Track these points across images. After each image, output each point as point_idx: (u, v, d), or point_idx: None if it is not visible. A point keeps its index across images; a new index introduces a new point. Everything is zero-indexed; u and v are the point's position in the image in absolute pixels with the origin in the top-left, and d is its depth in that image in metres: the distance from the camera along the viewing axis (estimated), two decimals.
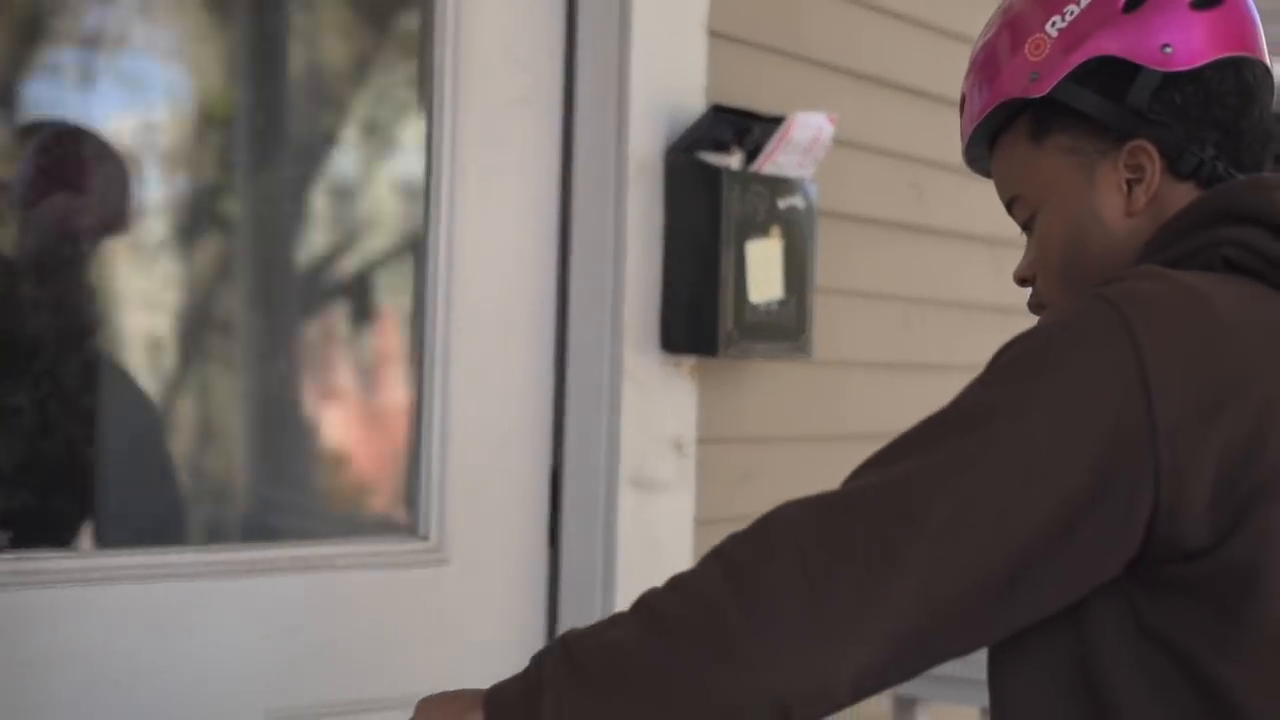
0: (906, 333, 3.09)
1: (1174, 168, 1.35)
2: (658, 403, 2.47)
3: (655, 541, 2.47)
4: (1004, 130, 1.43)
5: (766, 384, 2.70)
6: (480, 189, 2.33)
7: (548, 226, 2.42)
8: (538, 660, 1.23)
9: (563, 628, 2.44)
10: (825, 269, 2.68)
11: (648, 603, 1.21)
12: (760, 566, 1.16)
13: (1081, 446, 1.15)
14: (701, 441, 2.55)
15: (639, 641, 1.18)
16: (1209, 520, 1.17)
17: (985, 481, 1.15)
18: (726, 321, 2.42)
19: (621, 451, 2.41)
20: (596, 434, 2.41)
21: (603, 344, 2.42)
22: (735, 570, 1.17)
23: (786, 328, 2.54)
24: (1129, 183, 1.36)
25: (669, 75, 2.49)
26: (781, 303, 2.52)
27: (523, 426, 2.40)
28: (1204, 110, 1.35)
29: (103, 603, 1.98)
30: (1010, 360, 1.22)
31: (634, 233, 2.42)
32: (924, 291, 3.13)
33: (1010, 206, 1.45)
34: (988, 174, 1.49)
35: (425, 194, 2.31)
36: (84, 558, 2.06)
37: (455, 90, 2.31)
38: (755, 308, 2.47)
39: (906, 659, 1.17)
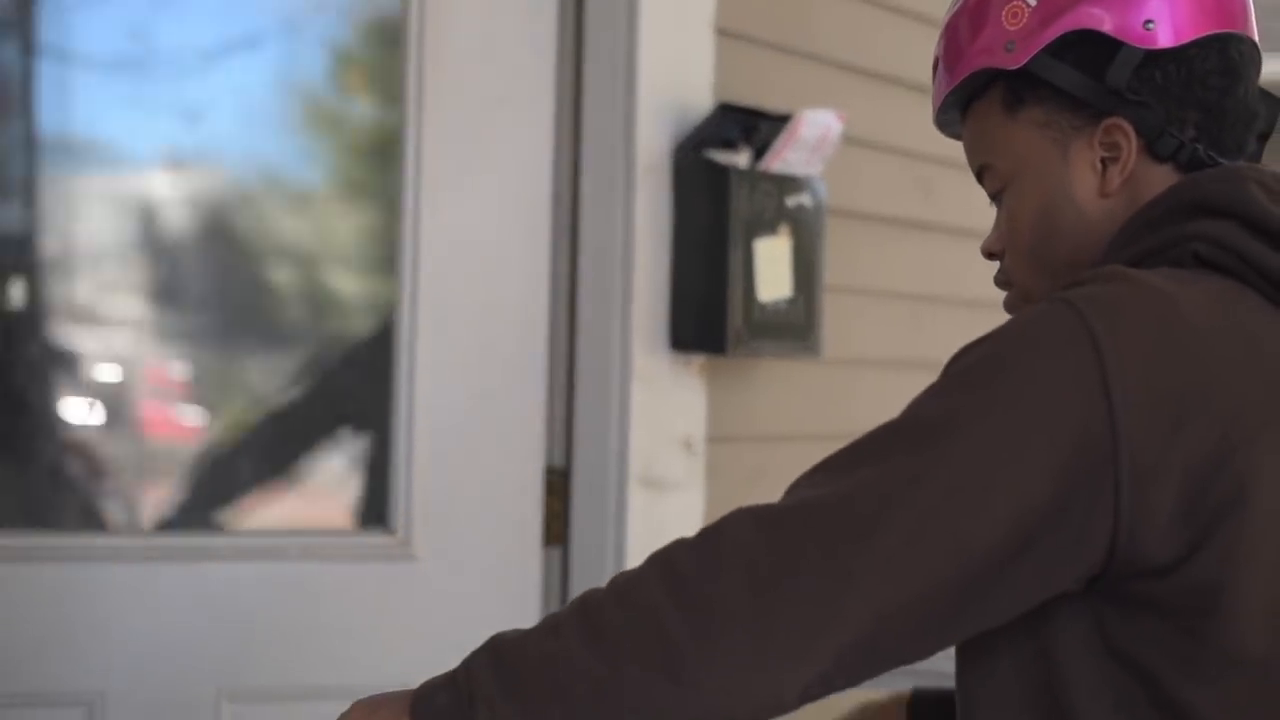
0: (916, 330, 3.08)
1: (1152, 149, 1.29)
2: (667, 402, 2.47)
3: (665, 540, 2.45)
4: (977, 98, 1.37)
5: (776, 382, 2.70)
6: (456, 187, 2.33)
7: (536, 225, 2.41)
8: (467, 666, 1.16)
9: None
10: (834, 267, 2.67)
11: (588, 610, 1.14)
12: (707, 583, 1.11)
13: (1040, 458, 1.10)
14: (711, 440, 2.55)
15: (581, 655, 1.12)
16: (1174, 535, 1.11)
17: (940, 496, 1.10)
18: (735, 320, 2.41)
19: (631, 451, 2.40)
20: (606, 433, 2.41)
21: (611, 343, 2.42)
22: (681, 585, 1.11)
23: (795, 326, 2.53)
24: (1104, 161, 1.30)
25: (676, 74, 2.49)
26: (790, 301, 2.51)
27: (510, 424, 2.39)
28: (1185, 90, 1.29)
29: (53, 579, 2.08)
30: (967, 367, 1.17)
31: (642, 232, 2.42)
32: (933, 289, 3.13)
33: (980, 176, 1.39)
34: (959, 137, 1.43)
35: (399, 191, 2.31)
36: (48, 538, 2.16)
37: (423, 90, 2.31)
38: (764, 306, 2.46)
39: (855, 669, 1.13)
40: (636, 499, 2.41)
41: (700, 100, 2.50)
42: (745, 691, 1.10)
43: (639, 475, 2.42)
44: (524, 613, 2.41)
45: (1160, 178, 1.29)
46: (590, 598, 1.16)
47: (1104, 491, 1.10)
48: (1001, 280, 1.40)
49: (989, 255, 1.42)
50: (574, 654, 1.12)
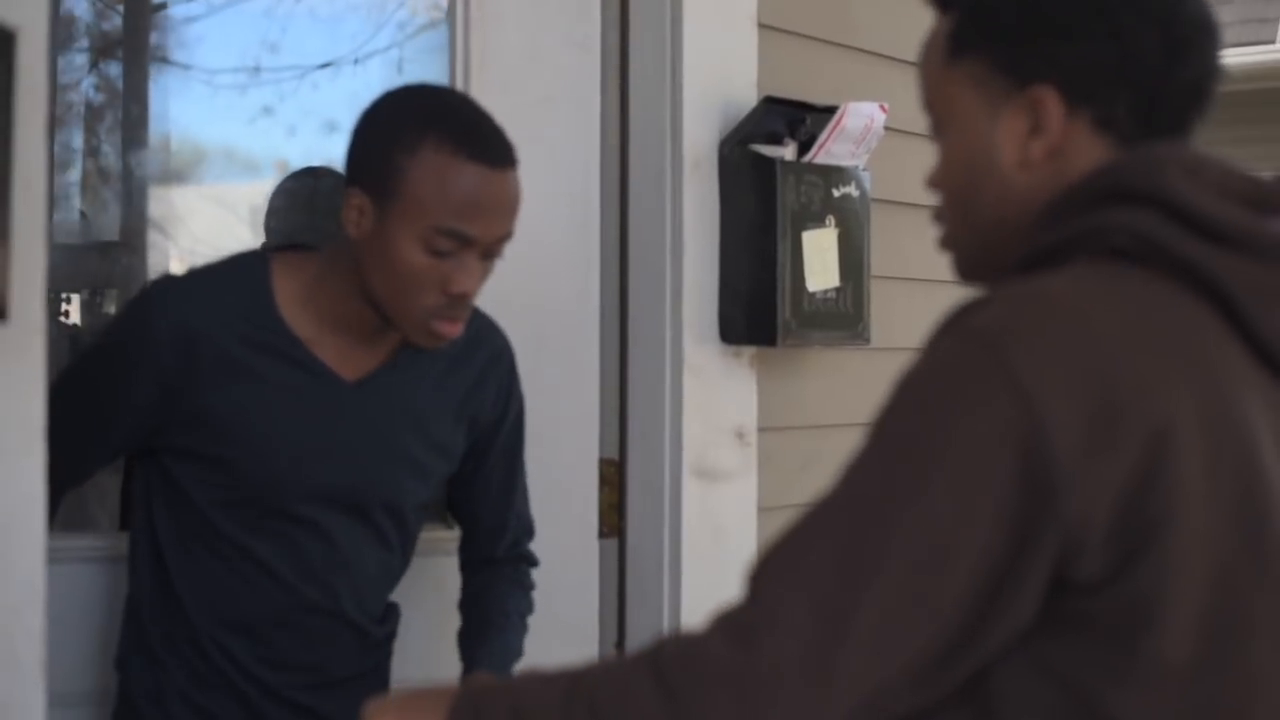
0: None
1: (1082, 121, 1.25)
2: (719, 393, 2.50)
3: (719, 529, 2.50)
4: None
5: (826, 371, 2.72)
6: None
7: (587, 221, 2.44)
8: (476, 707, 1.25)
9: (631, 615, 2.47)
10: (880, 256, 2.69)
11: (657, 662, 1.20)
12: (694, 701, 1.16)
13: (988, 513, 1.11)
14: (763, 430, 2.58)
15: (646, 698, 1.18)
16: (1108, 552, 1.12)
17: (905, 570, 1.12)
18: (784, 311, 2.44)
19: (684, 442, 2.44)
20: (659, 425, 2.44)
21: (663, 337, 2.45)
22: (670, 697, 1.16)
23: (844, 315, 2.56)
24: (1029, 131, 1.26)
25: (721, 69, 2.52)
26: (838, 291, 2.53)
27: (566, 418, 2.42)
28: (1120, 66, 1.23)
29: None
30: (897, 434, 1.18)
31: (690, 226, 2.45)
32: None
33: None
34: None
35: None
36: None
37: (469, 91, 2.31)
38: (813, 296, 2.49)
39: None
40: (691, 489, 2.44)
41: (745, 95, 2.53)
42: None
43: (692, 466, 2.45)
44: (584, 604, 2.44)
45: (1090, 154, 1.26)
46: (584, 676, 1.22)
47: (1050, 524, 1.12)
48: (936, 213, 1.38)
49: (931, 186, 1.38)
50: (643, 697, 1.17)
